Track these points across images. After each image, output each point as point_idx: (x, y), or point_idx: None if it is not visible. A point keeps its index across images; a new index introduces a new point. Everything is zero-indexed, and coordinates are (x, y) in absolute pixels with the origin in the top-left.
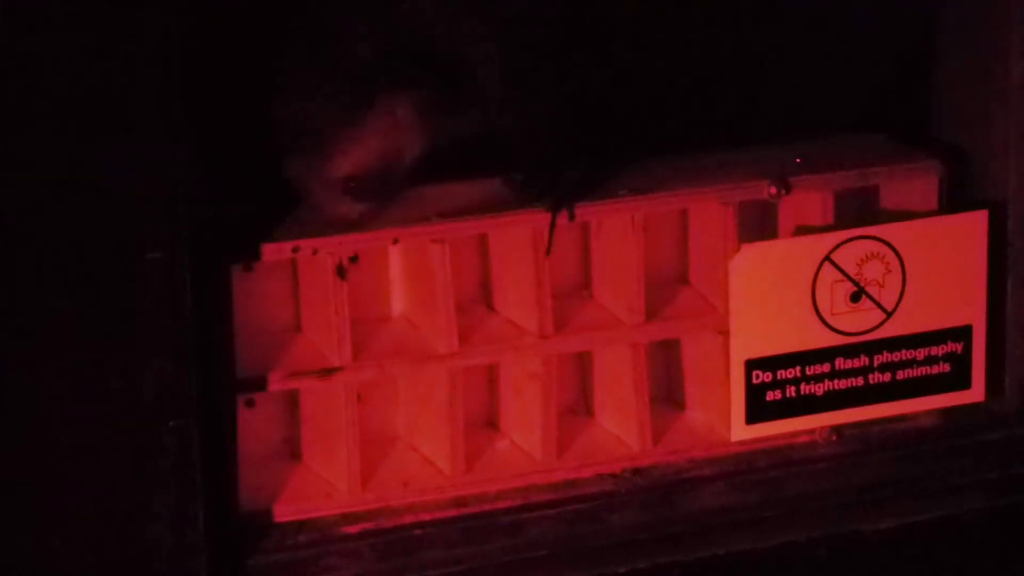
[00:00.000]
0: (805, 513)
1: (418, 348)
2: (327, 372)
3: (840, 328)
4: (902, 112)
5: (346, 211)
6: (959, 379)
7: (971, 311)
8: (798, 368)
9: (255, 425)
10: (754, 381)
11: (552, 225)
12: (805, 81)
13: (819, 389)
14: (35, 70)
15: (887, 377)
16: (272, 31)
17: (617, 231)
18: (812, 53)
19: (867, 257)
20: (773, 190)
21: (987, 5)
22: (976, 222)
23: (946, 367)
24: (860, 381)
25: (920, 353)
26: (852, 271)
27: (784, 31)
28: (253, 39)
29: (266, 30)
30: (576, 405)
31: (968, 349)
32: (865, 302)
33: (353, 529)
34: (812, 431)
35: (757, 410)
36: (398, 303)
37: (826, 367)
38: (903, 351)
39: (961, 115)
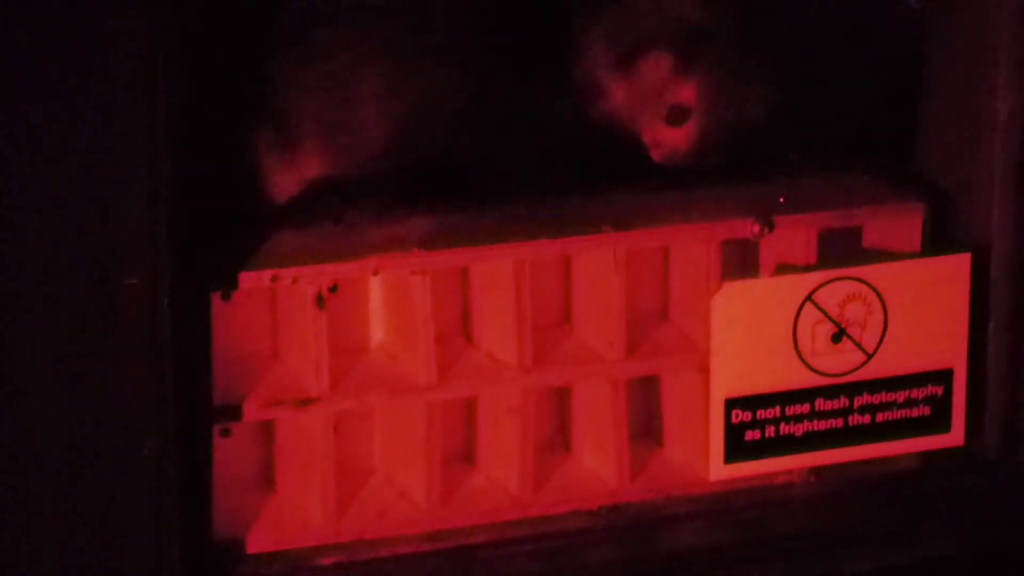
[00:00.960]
0: (782, 554)
1: (396, 380)
2: (304, 402)
3: (820, 369)
4: (886, 152)
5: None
6: (939, 422)
7: (952, 354)
8: (778, 408)
9: (230, 454)
10: (733, 420)
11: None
12: (789, 119)
13: (798, 430)
14: (11, 94)
15: (867, 419)
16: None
17: (599, 266)
18: (796, 91)
19: (849, 298)
20: (756, 228)
21: (973, 45)
22: (959, 265)
23: (926, 410)
24: (840, 422)
25: (900, 395)
26: (834, 312)
27: (768, 69)
28: (236, 57)
29: (249, 46)
30: (554, 440)
31: (948, 392)
32: (846, 343)
33: (327, 561)
34: (790, 472)
35: (736, 449)
36: (377, 334)
37: (806, 408)
38: (883, 393)
39: (946, 156)
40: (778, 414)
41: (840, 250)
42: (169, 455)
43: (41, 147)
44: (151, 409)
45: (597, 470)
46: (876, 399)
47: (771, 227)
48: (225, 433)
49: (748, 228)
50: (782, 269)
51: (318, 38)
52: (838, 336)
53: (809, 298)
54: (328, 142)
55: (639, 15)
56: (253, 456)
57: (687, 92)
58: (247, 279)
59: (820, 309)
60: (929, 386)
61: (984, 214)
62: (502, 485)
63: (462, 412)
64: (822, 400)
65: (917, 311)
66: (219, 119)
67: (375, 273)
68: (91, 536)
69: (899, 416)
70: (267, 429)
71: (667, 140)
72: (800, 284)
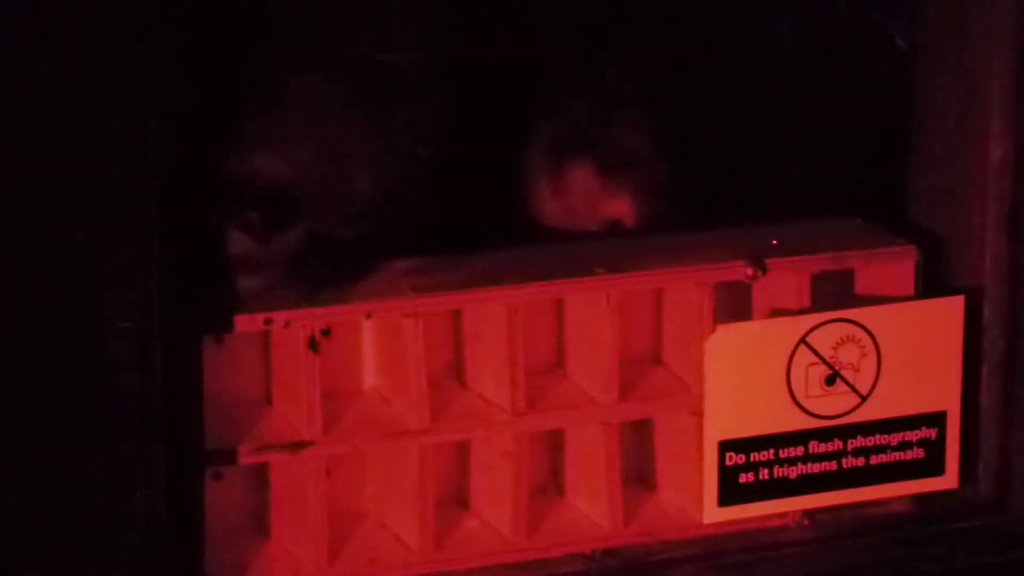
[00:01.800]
0: None
1: (389, 423)
2: (297, 446)
3: (814, 411)
4: (878, 196)
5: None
6: (933, 465)
7: (946, 397)
8: (771, 451)
9: (222, 499)
10: (727, 463)
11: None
12: (779, 165)
13: (792, 472)
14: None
15: (860, 462)
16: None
17: (591, 309)
18: (787, 137)
19: (843, 340)
20: (750, 271)
21: (966, 89)
22: (952, 307)
23: (920, 453)
24: (833, 465)
25: (894, 438)
26: (827, 354)
27: (761, 115)
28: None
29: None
30: (547, 484)
31: (942, 435)
32: (840, 385)
33: None
34: (784, 515)
35: (730, 492)
36: (370, 377)
37: (799, 450)
38: (877, 436)
39: (938, 200)
40: (772, 456)
41: (833, 293)
42: (159, 499)
43: (32, 184)
44: (141, 453)
45: (590, 513)
46: (870, 442)
47: (764, 270)
48: (217, 477)
49: (741, 271)
50: (775, 312)
51: (301, 94)
52: (832, 378)
53: (803, 340)
54: (313, 198)
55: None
56: (245, 500)
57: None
58: (240, 322)
59: (814, 351)
60: (923, 428)
61: (977, 258)
62: (495, 528)
63: (455, 455)
64: (816, 442)
65: (911, 353)
66: (211, 160)
67: (368, 316)
68: None
69: (893, 459)
70: (259, 473)
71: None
72: (794, 326)
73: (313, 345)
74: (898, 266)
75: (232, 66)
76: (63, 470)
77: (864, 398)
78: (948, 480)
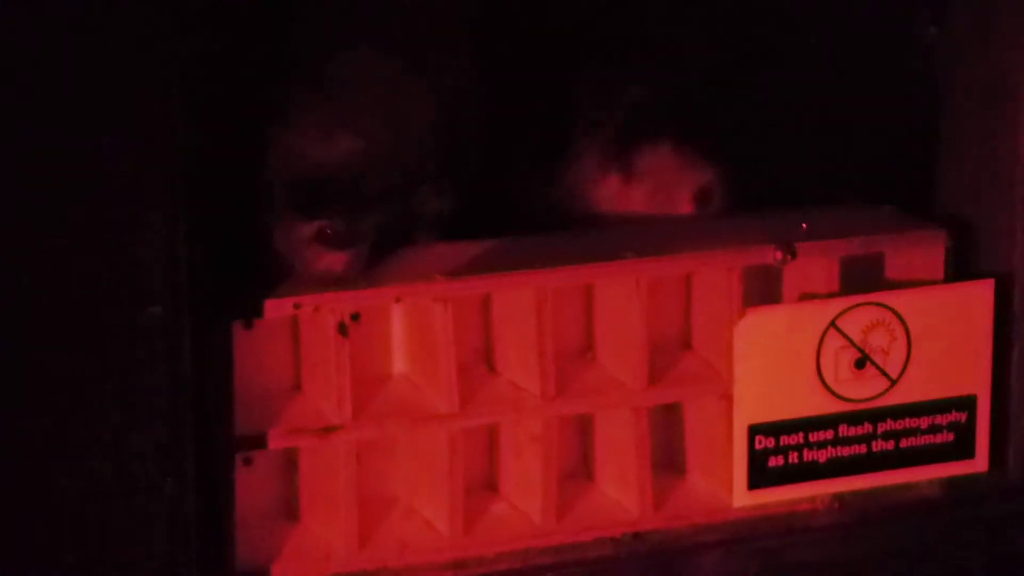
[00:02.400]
0: None
1: (418, 408)
2: (326, 431)
3: (844, 395)
4: (909, 184)
5: (327, 264)
6: (963, 449)
7: (976, 381)
8: (801, 434)
9: (252, 484)
10: (757, 447)
11: None
12: (811, 153)
13: (822, 456)
14: (35, 115)
15: (890, 445)
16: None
17: (621, 294)
18: (818, 124)
19: (872, 324)
20: (779, 255)
21: (995, 75)
22: (982, 291)
23: (950, 436)
24: (863, 449)
25: (924, 422)
26: (857, 338)
27: (792, 102)
28: (253, 82)
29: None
30: (576, 469)
31: (972, 419)
32: (869, 369)
33: None
34: (814, 498)
35: (759, 476)
36: (399, 362)
37: (829, 434)
38: (907, 419)
39: (968, 186)
40: (801, 440)
41: (862, 278)
42: (190, 484)
43: (62, 172)
44: (172, 438)
45: (620, 498)
46: (900, 425)
47: (794, 254)
48: (247, 462)
49: (771, 255)
50: (805, 296)
51: (333, 74)
52: (861, 362)
53: (832, 324)
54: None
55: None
56: (276, 485)
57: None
58: (269, 307)
59: (844, 335)
60: (953, 412)
61: (1007, 243)
62: (525, 513)
63: (484, 441)
64: (845, 426)
65: (941, 337)
66: (240, 149)
67: (397, 301)
68: (111, 569)
69: (923, 442)
70: (290, 458)
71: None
72: (823, 310)
73: (342, 330)
74: (928, 251)
75: (271, 46)
76: (94, 456)
77: (894, 382)
78: (978, 463)
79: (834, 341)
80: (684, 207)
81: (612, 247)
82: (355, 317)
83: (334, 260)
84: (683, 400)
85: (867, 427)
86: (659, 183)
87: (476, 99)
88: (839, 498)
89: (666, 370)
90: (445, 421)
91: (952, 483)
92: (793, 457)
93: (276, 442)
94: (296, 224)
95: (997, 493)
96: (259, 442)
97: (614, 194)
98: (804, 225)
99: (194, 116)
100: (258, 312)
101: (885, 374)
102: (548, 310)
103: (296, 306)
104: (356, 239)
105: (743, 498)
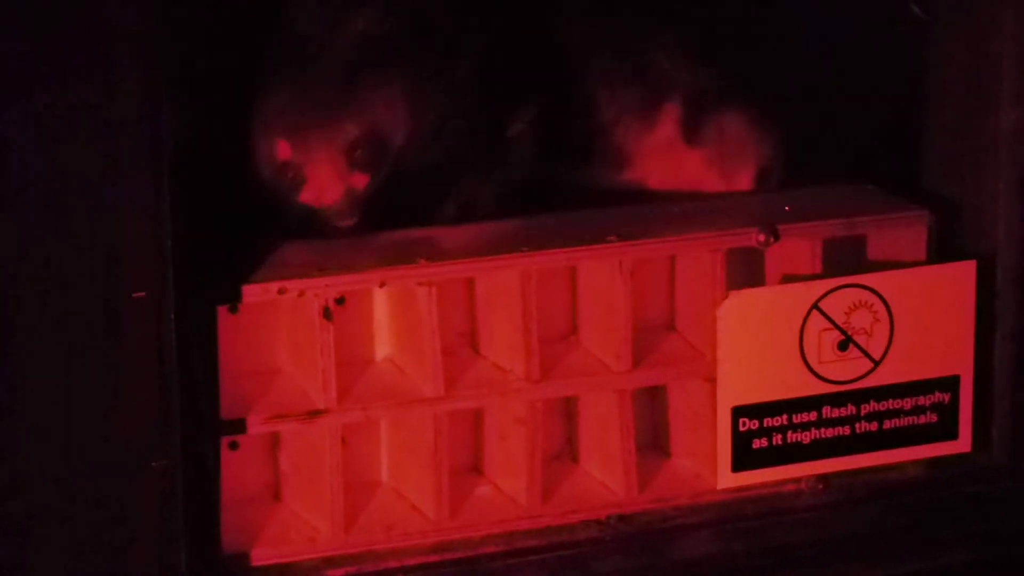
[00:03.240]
0: (790, 562)
1: (403, 392)
2: (311, 415)
3: (827, 376)
4: (891, 164)
5: (347, 191)
6: (946, 429)
7: (959, 361)
8: (785, 416)
9: (238, 467)
10: (740, 429)
11: None
12: (793, 132)
13: (806, 437)
14: (21, 114)
15: (874, 426)
16: (255, 34)
17: (604, 276)
18: (800, 104)
19: (855, 306)
20: (762, 237)
21: (977, 56)
22: (964, 272)
23: (933, 417)
24: (847, 430)
25: (907, 403)
26: (840, 319)
27: (774, 82)
28: (234, 52)
29: (248, 37)
30: (561, 451)
31: (955, 399)
32: (852, 351)
33: (336, 573)
34: (798, 480)
35: (743, 458)
36: (384, 346)
37: (813, 415)
38: (890, 400)
39: (950, 166)
40: (785, 422)
41: (845, 259)
42: (176, 468)
43: (47, 159)
44: (158, 423)
45: (605, 480)
46: (883, 406)
47: (776, 236)
48: (233, 446)
49: (754, 237)
50: (788, 278)
51: (326, 53)
52: (844, 344)
53: (815, 306)
54: (335, 156)
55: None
56: (261, 469)
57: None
58: (254, 292)
59: (826, 317)
60: (936, 393)
61: (989, 222)
62: (510, 496)
63: (469, 423)
64: (829, 408)
65: (923, 318)
66: (224, 131)
67: (381, 285)
68: (98, 550)
69: (906, 423)
70: (275, 442)
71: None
72: (806, 292)
73: (327, 314)
74: (910, 231)
75: (258, 27)
76: (80, 441)
77: (877, 363)
78: (961, 444)
79: (817, 323)
80: (745, 181)
81: (596, 230)
82: (340, 301)
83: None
84: (667, 382)
85: (850, 408)
86: (724, 153)
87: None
88: (823, 479)
89: (650, 352)
90: (430, 404)
91: (935, 464)
92: (777, 439)
93: (261, 427)
94: (324, 141)
95: (980, 473)
96: (244, 427)
97: (675, 162)
98: (787, 208)
99: (179, 97)
100: (242, 296)
101: (868, 355)
102: (532, 293)
103: (281, 291)
104: (378, 162)
105: (727, 480)
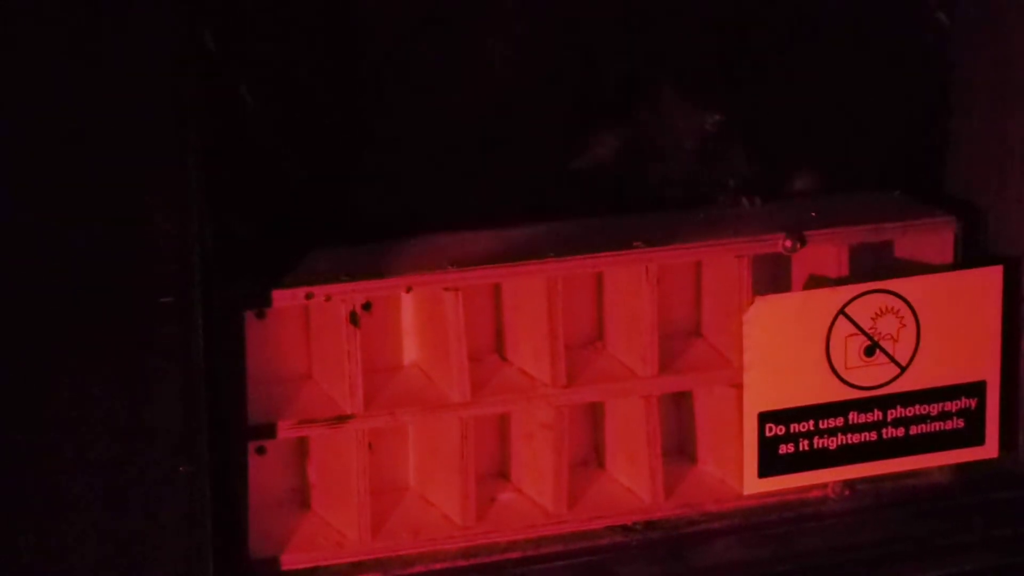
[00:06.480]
0: (816, 568)
1: (430, 397)
2: (339, 420)
3: (854, 382)
4: (917, 170)
5: None
6: (973, 435)
7: (985, 367)
8: (811, 422)
9: (265, 472)
10: (767, 434)
11: None
12: (820, 139)
13: (832, 443)
14: (45, 104)
15: (900, 432)
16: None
17: (631, 282)
18: (826, 112)
19: (882, 311)
20: (788, 243)
21: (1002, 63)
22: (991, 277)
23: (960, 423)
24: (873, 436)
25: (934, 408)
26: (866, 325)
27: (801, 89)
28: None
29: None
30: (588, 456)
31: (982, 405)
32: (879, 356)
33: None
34: (824, 485)
35: (769, 463)
36: (410, 352)
37: (839, 421)
38: (917, 406)
39: (976, 172)
40: (812, 428)
41: (871, 265)
42: (203, 473)
43: (76, 164)
44: (185, 428)
45: (631, 486)
46: (910, 412)
47: (803, 242)
48: (261, 451)
49: (780, 243)
50: (814, 283)
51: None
52: (871, 349)
53: (842, 311)
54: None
55: None
56: (288, 474)
57: None
58: (281, 297)
59: (853, 322)
60: (963, 399)
61: (1015, 228)
62: (536, 501)
63: (496, 429)
64: (855, 413)
65: (950, 324)
66: (253, 139)
67: (408, 290)
68: (125, 555)
69: (933, 429)
70: (302, 447)
71: None
72: (833, 298)
73: (354, 319)
74: (936, 237)
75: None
76: (107, 445)
77: (903, 368)
78: (988, 450)
79: (844, 328)
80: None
81: (622, 236)
82: (366, 307)
83: None
84: (693, 388)
85: (877, 414)
86: None
87: None
88: (849, 485)
89: (676, 358)
90: (456, 409)
91: (962, 469)
92: (803, 444)
93: (288, 432)
94: None
95: (1007, 479)
96: (271, 431)
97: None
98: (813, 214)
99: (207, 102)
100: (269, 302)
101: (895, 361)
102: (558, 299)
103: (308, 296)
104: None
105: (753, 485)
